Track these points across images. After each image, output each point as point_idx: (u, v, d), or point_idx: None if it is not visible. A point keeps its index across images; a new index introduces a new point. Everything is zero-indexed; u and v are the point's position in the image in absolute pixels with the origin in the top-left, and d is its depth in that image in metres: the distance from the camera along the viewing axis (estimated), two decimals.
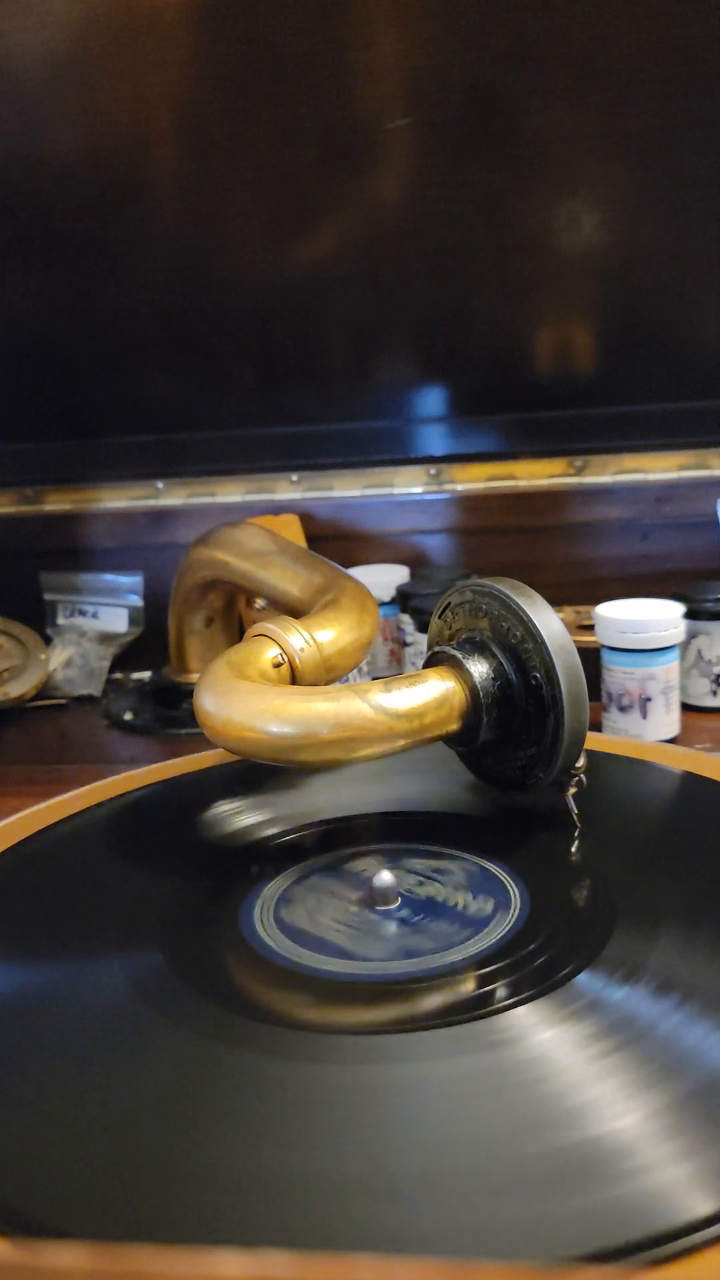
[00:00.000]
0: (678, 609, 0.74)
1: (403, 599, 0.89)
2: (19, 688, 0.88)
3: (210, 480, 1.03)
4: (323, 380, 1.01)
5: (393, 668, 0.92)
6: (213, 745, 0.54)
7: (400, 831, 0.56)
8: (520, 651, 0.52)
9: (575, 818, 0.54)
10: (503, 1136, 0.34)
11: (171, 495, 1.03)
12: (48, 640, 0.98)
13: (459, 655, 0.53)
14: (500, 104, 0.85)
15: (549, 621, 0.51)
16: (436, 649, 0.55)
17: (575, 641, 0.52)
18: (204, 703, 0.52)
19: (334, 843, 0.55)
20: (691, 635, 0.78)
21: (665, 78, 0.83)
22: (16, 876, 0.53)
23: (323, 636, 0.59)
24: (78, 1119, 0.36)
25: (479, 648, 0.53)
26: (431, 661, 0.55)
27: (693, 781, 0.59)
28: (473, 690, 0.52)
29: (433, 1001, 0.42)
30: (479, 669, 0.52)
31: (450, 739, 0.54)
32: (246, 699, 0.51)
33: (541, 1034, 0.39)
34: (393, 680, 0.52)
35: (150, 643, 1.00)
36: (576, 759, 0.53)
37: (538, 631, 0.51)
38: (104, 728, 0.86)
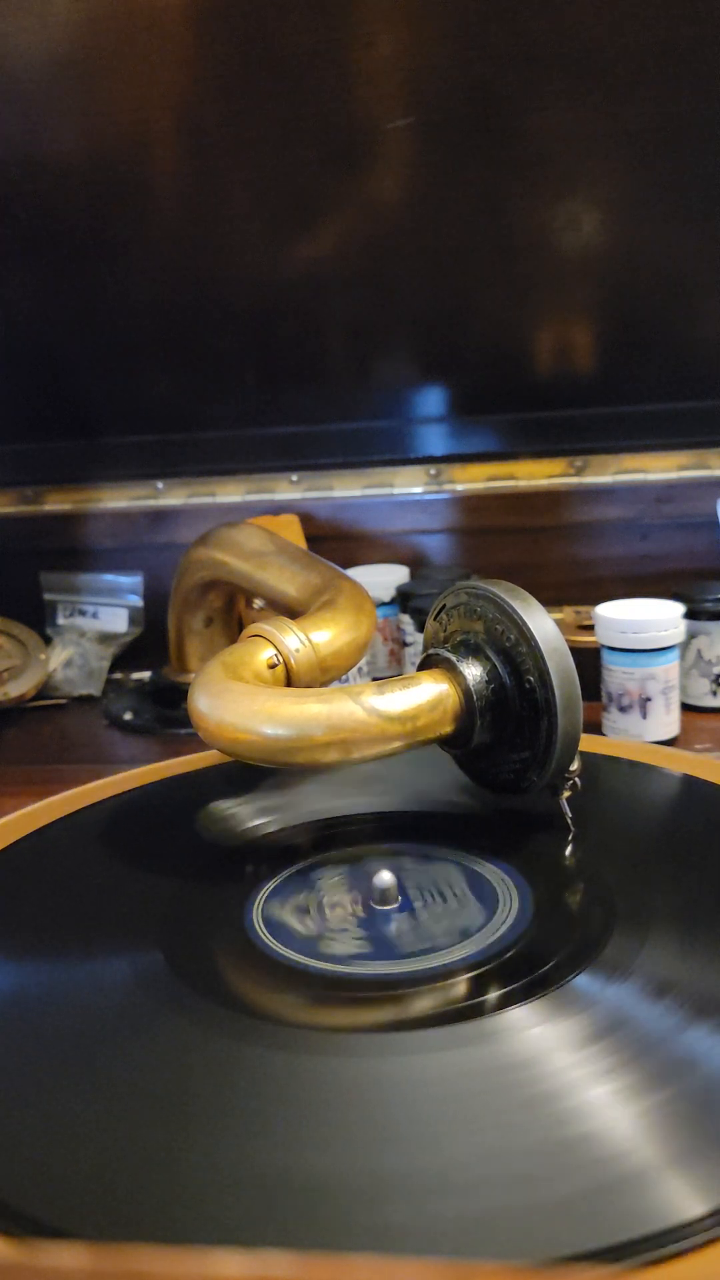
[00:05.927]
0: (678, 609, 0.75)
1: (403, 599, 0.89)
2: (19, 688, 0.88)
3: (210, 480, 1.03)
4: (322, 380, 1.01)
5: (393, 668, 0.92)
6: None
7: (399, 832, 0.56)
8: (514, 654, 0.52)
9: (569, 821, 0.54)
10: (501, 1136, 0.35)
11: (171, 495, 1.03)
12: (48, 640, 0.98)
13: (453, 658, 0.53)
14: (500, 104, 0.85)
15: (543, 625, 0.51)
16: (431, 651, 0.54)
17: (575, 642, 0.52)
18: (198, 704, 0.52)
19: (333, 842, 0.55)
20: (691, 635, 0.78)
21: (665, 78, 0.83)
22: (16, 875, 0.54)
23: (318, 637, 0.59)
24: (78, 1118, 0.37)
25: (473, 650, 0.53)
26: (426, 664, 0.55)
27: (691, 783, 0.60)
28: (466, 693, 0.52)
29: (431, 1001, 0.42)
30: (473, 672, 0.52)
31: (444, 742, 0.54)
32: (240, 700, 0.51)
33: (540, 1034, 0.39)
34: (386, 682, 0.52)
35: (150, 643, 1.00)
36: (570, 763, 0.53)
37: (531, 635, 0.51)
38: (104, 727, 0.87)
